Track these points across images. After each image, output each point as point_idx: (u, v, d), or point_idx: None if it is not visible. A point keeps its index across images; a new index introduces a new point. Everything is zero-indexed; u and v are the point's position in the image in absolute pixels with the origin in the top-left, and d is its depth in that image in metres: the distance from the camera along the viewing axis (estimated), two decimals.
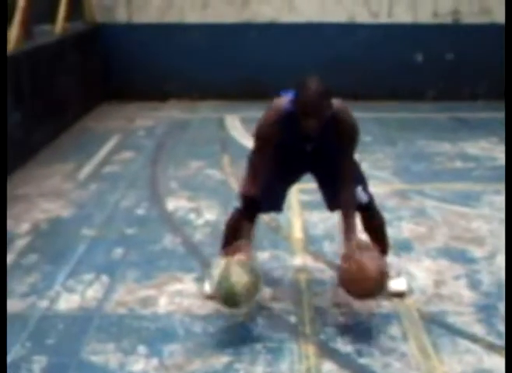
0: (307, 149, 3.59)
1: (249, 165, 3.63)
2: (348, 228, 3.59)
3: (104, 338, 3.50)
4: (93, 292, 3.98)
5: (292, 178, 3.82)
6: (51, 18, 8.23)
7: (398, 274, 3.99)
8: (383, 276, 3.50)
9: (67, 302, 3.86)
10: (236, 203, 3.70)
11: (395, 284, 3.88)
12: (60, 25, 8.20)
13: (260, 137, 3.53)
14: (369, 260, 3.47)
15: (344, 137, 3.51)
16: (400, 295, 3.86)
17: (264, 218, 4.52)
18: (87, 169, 6.39)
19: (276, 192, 3.74)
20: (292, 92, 3.45)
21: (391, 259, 4.36)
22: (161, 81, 9.38)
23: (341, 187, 3.59)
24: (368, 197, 3.74)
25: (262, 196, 3.60)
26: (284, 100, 3.48)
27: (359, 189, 3.69)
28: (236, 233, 3.68)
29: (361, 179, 3.74)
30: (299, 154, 3.63)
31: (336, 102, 3.46)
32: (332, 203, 3.77)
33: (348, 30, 9.30)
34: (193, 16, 9.35)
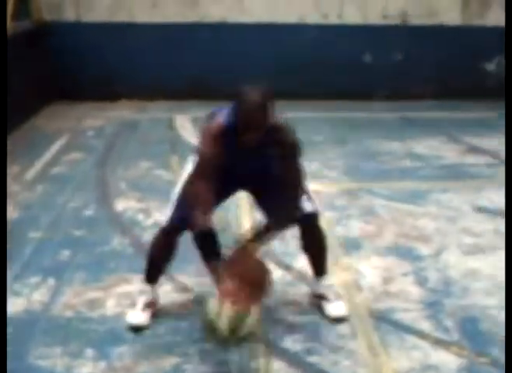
0: (246, 163, 3.35)
1: (185, 196, 3.38)
2: (263, 232, 3.28)
3: (51, 342, 3.44)
4: (40, 295, 3.92)
5: (228, 195, 3.61)
6: None
7: (337, 297, 3.78)
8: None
9: (13, 306, 3.78)
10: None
11: (334, 309, 3.68)
12: (7, 23, 8.04)
13: (204, 158, 3.24)
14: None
15: (286, 146, 3.25)
16: (341, 320, 3.64)
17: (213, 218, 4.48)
18: (35, 170, 6.28)
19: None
20: (225, 108, 3.27)
21: (340, 257, 4.42)
22: (111, 81, 9.26)
23: (282, 201, 3.29)
24: (313, 208, 3.51)
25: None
26: (220, 115, 3.27)
27: (304, 198, 3.44)
28: (164, 254, 3.61)
29: (306, 190, 3.47)
30: (238, 169, 3.40)
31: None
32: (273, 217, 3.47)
33: (298, 31, 9.33)
34: (142, 16, 9.27)
